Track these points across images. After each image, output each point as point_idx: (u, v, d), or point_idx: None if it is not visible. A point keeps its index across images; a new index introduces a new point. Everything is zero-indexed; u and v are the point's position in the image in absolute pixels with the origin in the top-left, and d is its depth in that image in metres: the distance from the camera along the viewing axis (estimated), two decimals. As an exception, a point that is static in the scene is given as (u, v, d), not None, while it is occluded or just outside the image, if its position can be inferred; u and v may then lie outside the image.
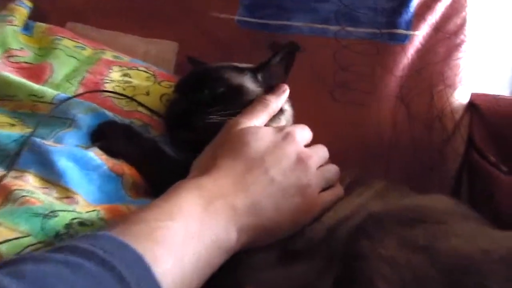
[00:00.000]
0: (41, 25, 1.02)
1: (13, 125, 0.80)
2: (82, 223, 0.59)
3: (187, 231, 0.52)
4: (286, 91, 0.79)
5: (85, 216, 0.60)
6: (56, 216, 0.58)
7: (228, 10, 1.01)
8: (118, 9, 1.06)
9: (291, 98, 0.86)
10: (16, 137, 0.73)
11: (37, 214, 0.58)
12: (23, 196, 0.63)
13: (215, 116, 0.75)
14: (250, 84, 0.81)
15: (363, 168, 0.92)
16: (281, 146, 0.66)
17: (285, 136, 0.67)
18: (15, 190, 0.64)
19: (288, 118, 0.85)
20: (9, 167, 0.68)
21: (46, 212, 0.58)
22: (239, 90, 0.79)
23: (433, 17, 0.97)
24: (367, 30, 0.97)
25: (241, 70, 0.83)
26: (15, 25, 0.98)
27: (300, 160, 0.65)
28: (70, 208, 0.60)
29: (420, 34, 0.96)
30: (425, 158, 0.93)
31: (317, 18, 0.99)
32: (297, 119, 0.87)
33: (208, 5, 1.02)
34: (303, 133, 0.70)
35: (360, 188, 0.76)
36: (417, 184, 0.89)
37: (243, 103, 0.78)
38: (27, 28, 1.02)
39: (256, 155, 0.63)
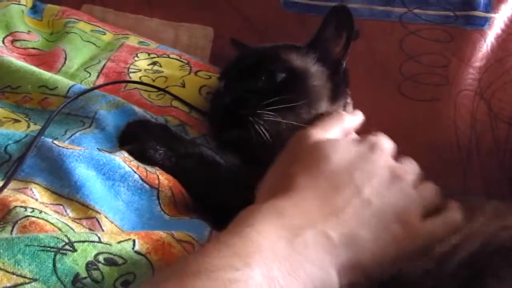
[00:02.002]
0: (52, 7, 0.83)
1: (17, 121, 0.60)
2: (111, 261, 0.39)
3: (272, 279, 0.36)
4: (360, 115, 0.61)
5: (115, 249, 0.40)
6: (74, 251, 0.38)
7: (273, -10, 0.82)
8: (141, -10, 0.86)
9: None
10: (19, 136, 0.53)
11: (47, 248, 0.38)
12: (27, 217, 0.43)
13: (274, 111, 0.55)
14: (313, 66, 0.62)
15: (435, 176, 0.73)
16: (369, 159, 0.50)
17: (371, 147, 0.51)
18: (15, 207, 0.44)
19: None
20: (9, 176, 0.48)
21: (60, 245, 0.38)
22: (304, 75, 0.60)
23: (514, -3, 0.77)
24: (438, 13, 0.78)
25: (300, 50, 0.63)
26: (22, 5, 0.77)
27: (396, 177, 0.49)
28: (93, 237, 0.40)
29: (501, 18, 0.76)
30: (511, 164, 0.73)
31: (378, -1, 0.79)
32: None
33: (249, -16, 0.82)
34: (389, 144, 0.53)
35: (468, 211, 0.56)
36: (500, 196, 0.71)
37: (308, 91, 0.59)
38: (35, 11, 0.83)
39: (341, 170, 0.48)
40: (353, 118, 0.59)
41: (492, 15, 0.76)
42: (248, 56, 0.65)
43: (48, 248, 0.38)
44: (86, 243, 0.39)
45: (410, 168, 0.52)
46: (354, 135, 0.58)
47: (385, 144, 0.52)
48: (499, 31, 0.77)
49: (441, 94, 0.76)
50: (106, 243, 0.40)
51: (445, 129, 0.76)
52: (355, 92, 0.70)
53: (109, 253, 0.39)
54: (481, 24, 0.76)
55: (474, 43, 0.76)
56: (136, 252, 0.41)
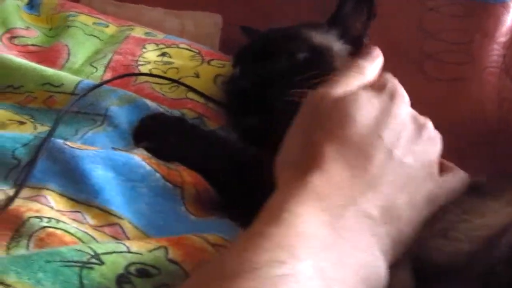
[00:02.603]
0: (50, 1, 0.77)
1: (22, 123, 0.54)
2: (144, 272, 0.34)
3: (321, 271, 0.31)
4: (380, 56, 0.51)
5: (147, 258, 0.35)
6: (101, 264, 0.33)
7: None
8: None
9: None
10: (27, 139, 0.48)
11: (71, 263, 0.33)
12: (43, 228, 0.38)
13: (299, 91, 0.50)
14: (335, 43, 0.57)
15: (461, 158, 0.68)
16: (392, 112, 0.42)
17: (391, 96, 0.43)
18: (29, 218, 0.39)
19: None
20: (20, 183, 0.42)
21: (85, 258, 0.33)
22: (326, 52, 0.54)
23: (539, -32, 0.72)
24: (458, -13, 0.72)
25: (321, 27, 0.58)
26: (18, 0, 0.72)
27: (421, 126, 0.43)
28: (121, 246, 0.35)
29: (524, -10, 0.71)
30: (541, 143, 0.69)
31: (394, -26, 0.74)
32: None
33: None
34: (403, 88, 0.47)
35: (506, 195, 0.51)
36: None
37: (331, 69, 0.53)
38: (32, 6, 0.77)
39: (368, 131, 0.41)
40: (374, 65, 0.50)
41: (516, -14, 0.71)
42: (264, 38, 0.60)
43: (72, 263, 0.33)
44: (114, 254, 0.34)
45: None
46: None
47: (401, 89, 0.45)
48: (523, 4, 0.72)
49: (465, 73, 0.71)
50: (136, 253, 0.35)
51: (471, 108, 0.71)
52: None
53: (141, 263, 0.34)
54: (504, -3, 0.71)
55: (497, 17, 0.71)
56: (169, 260, 0.36)
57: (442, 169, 0.47)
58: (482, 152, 0.70)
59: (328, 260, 0.32)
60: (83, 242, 0.38)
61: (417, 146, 0.42)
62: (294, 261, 0.30)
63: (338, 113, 0.42)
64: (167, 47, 0.68)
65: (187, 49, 0.69)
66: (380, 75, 0.49)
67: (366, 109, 0.42)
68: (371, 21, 0.61)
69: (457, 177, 0.46)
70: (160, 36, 0.72)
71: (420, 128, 0.43)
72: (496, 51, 0.71)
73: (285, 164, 0.43)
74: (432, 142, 0.43)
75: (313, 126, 0.43)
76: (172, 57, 0.66)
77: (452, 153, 0.59)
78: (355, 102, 0.42)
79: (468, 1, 0.72)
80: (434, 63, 0.72)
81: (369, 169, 0.39)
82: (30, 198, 0.42)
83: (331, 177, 0.38)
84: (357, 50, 0.59)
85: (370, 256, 0.35)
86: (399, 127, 0.42)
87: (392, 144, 0.41)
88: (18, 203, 0.41)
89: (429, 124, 0.44)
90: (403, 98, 0.44)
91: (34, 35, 0.69)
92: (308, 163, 0.39)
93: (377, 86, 0.45)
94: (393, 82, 0.45)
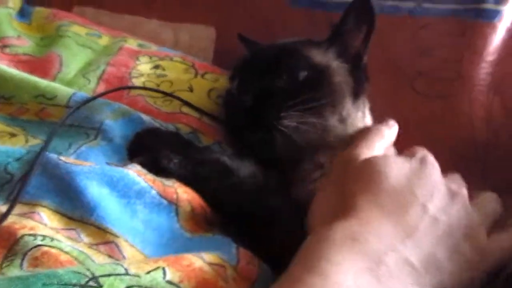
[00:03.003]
0: (42, 10, 0.75)
1: (13, 135, 0.53)
2: (144, 296, 0.33)
3: None
4: (395, 125, 0.55)
5: (145, 281, 0.34)
6: (100, 287, 0.32)
7: (277, -15, 0.76)
8: (137, -10, 0.80)
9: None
10: (20, 153, 0.47)
11: (68, 286, 0.31)
12: (37, 246, 0.37)
13: (298, 112, 0.50)
14: (335, 62, 0.57)
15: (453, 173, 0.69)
16: (423, 175, 0.45)
17: (421, 162, 0.46)
18: (23, 236, 0.38)
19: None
20: (13, 199, 0.41)
21: (83, 281, 0.32)
22: (326, 72, 0.55)
23: (524, -11, 0.73)
24: (448, 6, 0.74)
25: (320, 45, 0.58)
26: (10, 8, 0.70)
27: (453, 192, 0.45)
28: (119, 268, 0.34)
29: (510, 11, 0.72)
30: (529, 160, 0.70)
31: (387, -7, 0.74)
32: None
33: (252, -20, 0.76)
34: (433, 158, 0.49)
35: None
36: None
37: (331, 89, 0.55)
38: (23, 14, 0.75)
39: (402, 187, 0.43)
40: (391, 131, 0.54)
41: (502, 7, 0.72)
42: (264, 53, 0.59)
43: (70, 286, 0.32)
44: (112, 277, 0.33)
45: (460, 183, 0.48)
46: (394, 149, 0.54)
47: (431, 157, 0.47)
48: (509, 25, 0.73)
49: (455, 90, 0.72)
50: (134, 275, 0.34)
51: (461, 125, 0.71)
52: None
53: (139, 286, 0.33)
54: (492, 17, 0.72)
55: (485, 36, 0.72)
56: (168, 282, 0.35)
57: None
58: (473, 167, 0.71)
59: None
60: (78, 261, 0.37)
61: (451, 209, 0.43)
62: None
63: (371, 169, 0.44)
64: (160, 59, 0.67)
65: (180, 61, 0.68)
66: (410, 147, 0.51)
67: (398, 169, 0.44)
68: (370, 40, 0.61)
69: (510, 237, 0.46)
70: (153, 48, 0.71)
71: (453, 193, 0.44)
72: (484, 69, 0.71)
73: (320, 213, 0.44)
74: (464, 209, 0.44)
75: (346, 182, 0.45)
76: (166, 69, 0.66)
77: (445, 168, 0.60)
78: (386, 162, 0.45)
79: (457, 20, 0.72)
80: (425, 79, 0.73)
81: (406, 219, 0.40)
82: (24, 215, 0.40)
83: (369, 223, 0.39)
84: (356, 69, 0.59)
85: None
86: (431, 187, 0.43)
87: (425, 200, 0.42)
88: (12, 220, 0.39)
89: (464, 193, 0.45)
90: (434, 164, 0.46)
91: (25, 44, 0.68)
92: (344, 212, 0.40)
93: (407, 154, 0.47)
94: (423, 151, 0.47)
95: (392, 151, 0.53)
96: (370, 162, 0.45)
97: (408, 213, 0.40)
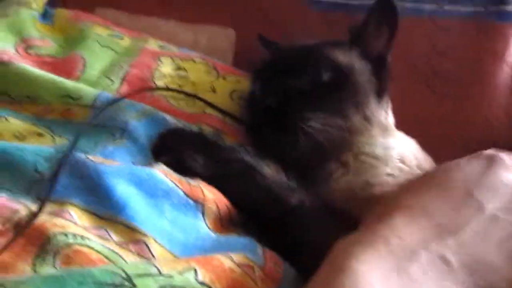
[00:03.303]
0: (64, 12, 0.75)
1: (40, 135, 0.53)
2: (178, 296, 0.33)
3: None
4: None
5: (178, 281, 0.34)
6: (134, 287, 0.32)
7: (297, -13, 0.76)
8: (157, -9, 0.80)
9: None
10: (48, 152, 0.47)
11: (103, 286, 0.32)
12: (69, 244, 0.37)
13: (322, 112, 0.50)
14: (358, 63, 0.57)
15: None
16: (489, 173, 0.42)
17: (489, 160, 0.43)
18: (55, 234, 0.38)
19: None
20: (43, 198, 0.42)
21: (118, 281, 0.32)
22: (350, 73, 0.55)
23: (545, -9, 0.73)
24: (469, 9, 0.73)
25: (344, 46, 0.58)
26: (34, 9, 0.71)
27: None
28: (152, 268, 0.34)
29: (532, 12, 0.72)
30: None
31: (408, -6, 0.74)
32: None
33: (271, -19, 0.76)
34: (506, 157, 0.45)
35: None
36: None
37: (355, 90, 0.54)
38: (45, 16, 0.76)
39: (459, 187, 0.41)
40: None
41: (524, 9, 0.71)
42: (286, 54, 0.59)
43: (105, 286, 0.32)
44: (146, 277, 0.33)
45: None
46: None
47: (501, 155, 0.45)
48: (530, 26, 0.72)
49: (474, 92, 0.72)
50: (167, 275, 0.34)
51: (480, 127, 0.71)
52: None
53: (172, 286, 0.34)
54: (513, 18, 0.71)
55: (506, 38, 0.72)
56: (200, 283, 0.35)
57: None
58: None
59: None
60: (110, 260, 0.37)
61: None
62: None
63: (436, 174, 0.43)
64: (182, 60, 0.67)
65: (202, 63, 0.68)
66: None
67: (460, 170, 0.42)
68: (393, 41, 0.61)
69: None
70: (174, 49, 0.71)
71: None
72: (505, 71, 0.71)
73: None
74: None
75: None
76: (188, 71, 0.66)
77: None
78: (453, 165, 0.43)
79: (477, 21, 0.72)
80: (442, 81, 0.72)
81: (453, 218, 0.38)
82: (54, 214, 0.41)
83: (402, 223, 0.37)
84: (379, 69, 0.59)
85: None
86: (495, 185, 0.41)
87: (485, 199, 0.40)
88: (43, 219, 0.40)
89: None
90: (504, 161, 0.43)
91: (49, 45, 0.68)
92: (384, 214, 0.39)
93: (475, 155, 0.45)
94: (492, 151, 0.45)
95: None
96: (441, 167, 0.44)
97: (457, 212, 0.38)
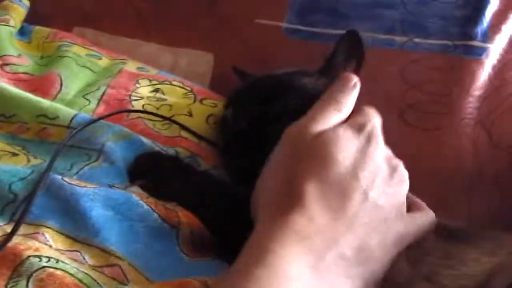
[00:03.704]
0: (42, 29, 0.76)
1: (14, 154, 0.53)
2: (151, 320, 0.33)
3: None
4: (357, 87, 0.51)
5: (154, 305, 0.34)
6: (109, 311, 0.32)
7: (275, 16, 0.78)
8: (137, 14, 0.81)
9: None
10: (24, 173, 0.47)
11: (78, 309, 0.32)
12: (43, 268, 0.37)
13: None
14: (324, 89, 0.58)
15: (441, 204, 0.71)
16: (369, 153, 0.44)
17: (368, 137, 0.45)
18: (28, 257, 0.38)
19: None
20: (18, 219, 0.42)
21: (93, 305, 0.32)
22: (316, 98, 0.56)
23: (508, 28, 0.77)
24: (438, 42, 0.77)
25: (312, 76, 0.60)
26: (11, 26, 0.71)
27: (393, 169, 0.45)
28: (127, 292, 0.35)
29: (496, 48, 0.76)
30: (513, 196, 0.72)
31: (380, 27, 0.78)
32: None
33: (250, 10, 0.79)
34: (378, 121, 0.48)
35: (486, 242, 0.53)
36: (505, 228, 0.68)
37: None
38: (23, 33, 0.76)
39: (348, 171, 0.42)
40: (351, 101, 0.50)
41: (489, 45, 0.75)
42: (258, 83, 0.61)
43: (80, 310, 0.32)
44: (121, 301, 0.34)
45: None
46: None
47: (378, 128, 0.47)
48: (495, 61, 0.76)
49: (444, 123, 0.74)
50: (142, 299, 0.35)
51: (449, 157, 0.74)
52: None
53: (147, 310, 0.34)
54: (479, 53, 0.75)
55: (473, 72, 0.75)
56: (175, 307, 0.36)
57: (411, 206, 0.49)
58: (460, 199, 0.72)
59: None
60: (84, 283, 0.37)
61: (389, 189, 0.43)
62: None
63: (320, 152, 0.43)
64: (160, 83, 0.68)
65: (179, 86, 0.69)
66: (360, 110, 0.50)
67: (346, 149, 0.43)
68: (360, 72, 0.63)
69: (425, 216, 0.48)
70: (153, 71, 0.72)
71: (392, 170, 0.45)
72: (471, 103, 0.74)
73: (265, 200, 0.44)
74: (402, 183, 0.45)
75: (294, 163, 0.44)
76: (165, 93, 0.67)
77: (433, 198, 0.62)
78: (336, 142, 0.43)
79: (446, 55, 0.75)
80: (415, 112, 0.75)
81: (347, 209, 0.40)
82: (28, 236, 0.41)
83: (313, 218, 0.39)
84: None
85: None
86: (374, 169, 0.43)
87: (367, 186, 0.42)
88: (16, 241, 0.39)
89: (401, 165, 0.46)
90: (379, 139, 0.46)
91: (25, 63, 0.68)
92: (290, 201, 0.40)
93: (357, 125, 0.46)
94: (372, 123, 0.46)
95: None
96: (320, 141, 0.44)
97: (349, 201, 0.40)
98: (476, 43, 0.75)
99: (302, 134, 0.45)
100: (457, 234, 0.52)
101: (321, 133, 0.45)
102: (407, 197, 0.48)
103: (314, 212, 0.40)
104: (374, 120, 0.48)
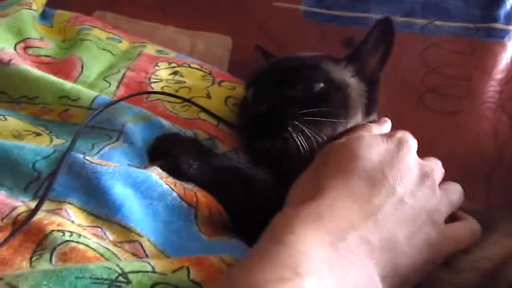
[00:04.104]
0: (63, 13, 0.77)
1: (38, 134, 0.55)
2: (170, 293, 0.34)
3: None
4: (388, 124, 0.58)
5: (171, 279, 0.36)
6: (129, 283, 0.34)
7: (293, -1, 0.78)
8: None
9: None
10: (47, 152, 0.48)
11: (100, 280, 0.33)
12: (65, 242, 0.39)
13: (312, 121, 0.52)
14: (351, 79, 0.59)
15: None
16: (398, 156, 0.46)
17: (398, 143, 0.47)
18: (52, 231, 0.39)
19: None
20: (42, 196, 0.43)
21: (114, 276, 0.34)
22: (342, 87, 0.56)
23: (532, 10, 0.75)
24: (459, 25, 0.76)
25: (340, 62, 0.60)
26: (34, 10, 0.72)
27: (425, 175, 0.46)
28: (147, 266, 0.36)
29: (519, 31, 0.74)
30: (533, 178, 0.72)
31: (400, 10, 0.77)
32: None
33: (268, -8, 0.79)
34: (414, 140, 0.50)
35: (504, 225, 0.53)
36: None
37: (346, 104, 0.56)
38: (44, 17, 0.78)
39: (374, 168, 0.44)
40: (381, 128, 0.57)
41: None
42: (282, 64, 0.61)
43: (101, 280, 0.34)
44: (140, 274, 0.35)
45: (436, 166, 0.50)
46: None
47: (411, 139, 0.49)
48: (518, 44, 0.75)
49: (464, 106, 0.74)
50: (160, 273, 0.36)
51: (468, 141, 0.73)
52: (379, 103, 0.67)
53: (165, 283, 0.35)
54: (502, 36, 0.74)
55: (495, 56, 0.74)
56: (192, 281, 0.37)
57: (457, 219, 0.50)
58: (479, 183, 0.72)
59: (331, 278, 0.34)
60: (105, 258, 0.39)
61: (419, 191, 0.45)
62: (297, 279, 0.32)
63: (346, 151, 0.46)
64: (179, 66, 0.69)
65: (198, 69, 0.70)
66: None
67: (373, 149, 0.45)
68: (387, 61, 0.63)
69: (465, 227, 0.48)
70: (172, 54, 0.73)
71: (424, 175, 0.46)
72: (493, 87, 0.73)
73: (294, 195, 0.46)
74: (432, 191, 0.46)
75: (322, 165, 0.47)
76: (184, 76, 0.68)
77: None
78: (361, 142, 0.46)
79: (468, 38, 0.74)
80: (434, 96, 0.74)
81: (372, 200, 0.42)
82: (52, 212, 0.42)
83: (334, 203, 0.41)
84: (371, 88, 0.61)
85: (369, 278, 0.38)
86: (403, 169, 0.45)
87: (395, 182, 0.43)
88: (40, 216, 0.41)
89: (436, 176, 0.47)
90: (411, 146, 0.47)
91: (48, 46, 0.70)
92: (313, 193, 0.42)
93: (386, 134, 0.48)
94: (403, 132, 0.48)
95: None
96: (346, 144, 0.47)
97: (374, 194, 0.42)
98: (498, 25, 0.74)
99: (332, 144, 0.48)
100: (482, 219, 0.53)
101: (347, 139, 0.48)
102: (455, 213, 0.49)
103: (337, 198, 0.41)
104: (406, 133, 0.49)
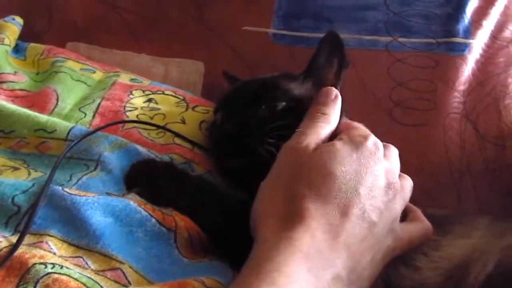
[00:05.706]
0: (36, 46, 0.78)
1: (16, 168, 0.56)
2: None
3: None
4: (338, 97, 0.54)
5: (154, 304, 0.37)
6: (113, 310, 0.35)
7: (262, 23, 0.81)
8: (128, 27, 0.84)
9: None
10: (26, 186, 0.49)
11: (84, 310, 0.34)
12: (48, 274, 0.40)
13: (277, 136, 0.54)
14: (312, 93, 0.62)
15: (430, 198, 0.74)
16: (369, 168, 0.46)
17: (370, 152, 0.47)
18: (34, 264, 0.41)
19: None
20: (22, 230, 0.44)
21: (98, 305, 0.35)
22: (303, 100, 0.59)
23: (489, 24, 0.80)
24: (422, 41, 0.80)
25: (297, 78, 0.63)
26: (6, 45, 0.73)
27: (390, 186, 0.47)
28: (129, 292, 0.37)
29: (478, 43, 0.79)
30: (502, 184, 0.75)
31: (364, 29, 0.81)
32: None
33: (238, 17, 0.81)
34: (380, 144, 0.50)
35: (459, 227, 0.56)
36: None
37: None
38: (17, 50, 0.79)
39: (347, 188, 0.44)
40: (336, 111, 0.53)
41: (471, 41, 0.78)
42: (246, 87, 0.64)
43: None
44: (123, 301, 0.36)
45: (397, 165, 0.50)
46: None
47: (378, 142, 0.49)
48: (478, 56, 0.79)
49: (430, 118, 0.77)
50: (143, 299, 0.37)
51: (437, 152, 0.76)
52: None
53: (148, 308, 0.36)
54: (462, 49, 0.78)
55: (457, 68, 0.77)
56: (174, 305, 0.38)
57: (408, 215, 0.51)
58: (448, 192, 0.75)
59: None
60: (88, 287, 0.40)
61: (384, 206, 0.45)
62: None
63: (320, 168, 0.45)
64: (153, 93, 0.71)
65: (172, 95, 0.72)
66: (357, 126, 0.54)
67: (347, 165, 0.45)
68: (343, 72, 0.65)
69: (418, 228, 0.50)
70: (146, 82, 0.75)
71: (389, 187, 0.46)
72: (457, 98, 0.77)
73: (267, 215, 0.45)
74: (398, 198, 0.47)
75: (294, 179, 0.45)
76: (158, 103, 0.69)
77: (421, 193, 0.65)
78: (335, 157, 0.45)
79: (430, 53, 0.78)
80: (402, 109, 0.78)
81: (346, 227, 0.42)
82: (33, 245, 0.43)
83: (315, 236, 0.41)
84: None
85: None
86: (373, 184, 0.45)
87: (365, 203, 0.44)
88: (22, 250, 0.42)
89: (398, 183, 0.48)
90: (379, 151, 0.48)
91: (22, 79, 0.71)
92: (293, 218, 0.42)
93: (355, 140, 0.48)
94: (372, 138, 0.48)
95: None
96: (318, 158, 0.46)
97: (348, 219, 0.42)
98: (458, 39, 0.78)
99: (299, 149, 0.47)
100: (437, 222, 0.55)
101: (319, 148, 0.47)
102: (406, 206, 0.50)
103: (316, 229, 0.41)
104: (371, 135, 0.50)
